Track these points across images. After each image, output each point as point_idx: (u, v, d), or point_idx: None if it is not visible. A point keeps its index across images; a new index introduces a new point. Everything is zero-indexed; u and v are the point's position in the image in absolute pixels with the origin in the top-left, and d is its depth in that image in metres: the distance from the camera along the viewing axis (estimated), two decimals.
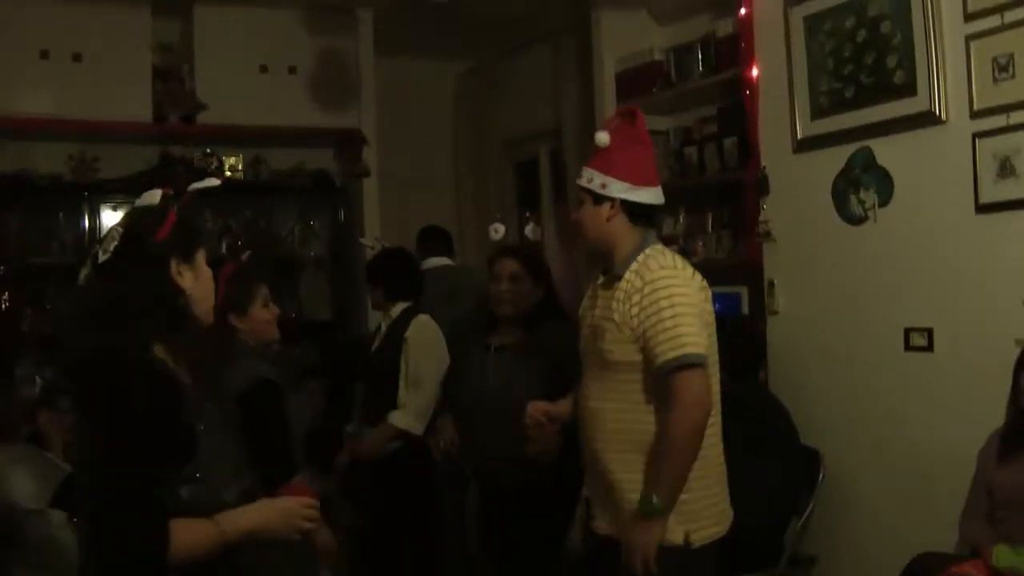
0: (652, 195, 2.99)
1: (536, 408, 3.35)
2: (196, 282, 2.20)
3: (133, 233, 2.13)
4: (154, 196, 2.25)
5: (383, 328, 4.61)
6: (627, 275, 2.91)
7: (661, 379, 2.80)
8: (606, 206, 2.96)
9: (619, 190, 2.93)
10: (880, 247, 3.92)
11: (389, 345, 4.49)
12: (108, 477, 1.96)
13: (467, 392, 4.14)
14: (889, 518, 3.89)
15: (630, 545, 2.79)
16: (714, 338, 2.93)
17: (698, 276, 2.93)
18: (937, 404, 3.72)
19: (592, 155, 3.04)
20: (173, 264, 2.15)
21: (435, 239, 5.88)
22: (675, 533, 2.80)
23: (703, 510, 2.87)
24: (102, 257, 2.09)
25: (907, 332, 3.82)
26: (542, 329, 3.92)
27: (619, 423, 2.91)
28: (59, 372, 2.13)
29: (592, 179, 2.98)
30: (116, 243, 2.10)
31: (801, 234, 4.28)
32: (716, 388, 2.91)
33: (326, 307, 6.75)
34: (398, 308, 4.55)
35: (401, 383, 4.39)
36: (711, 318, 2.93)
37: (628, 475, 2.89)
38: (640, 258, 2.92)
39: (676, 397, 2.76)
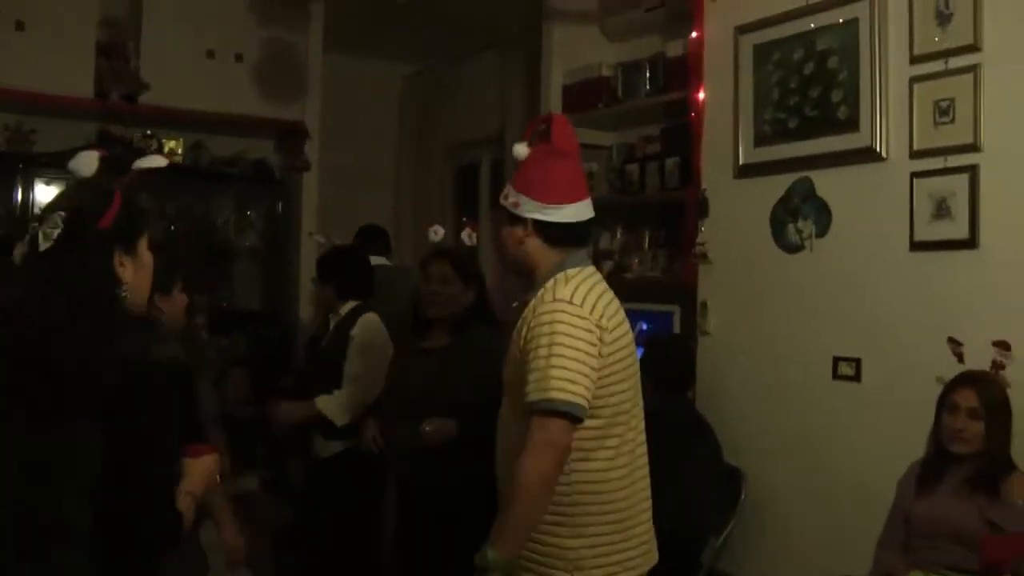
0: (572, 212, 2.73)
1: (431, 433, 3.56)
2: (136, 273, 2.14)
3: (77, 219, 2.04)
4: (91, 159, 2.18)
5: (331, 326, 4.61)
6: (532, 301, 2.72)
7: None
8: (519, 227, 2.74)
9: (530, 210, 2.71)
10: (814, 276, 3.99)
11: (336, 342, 4.49)
12: (148, 467, 2.00)
13: (392, 392, 4.15)
14: (807, 542, 3.95)
15: None
16: (633, 381, 2.73)
17: (603, 315, 2.64)
18: (861, 433, 3.79)
19: (514, 169, 2.86)
20: (116, 255, 2.09)
21: (373, 238, 5.90)
22: None
23: (595, 558, 2.65)
24: (43, 244, 2.02)
25: (836, 361, 3.89)
26: (471, 333, 3.94)
27: (518, 448, 2.66)
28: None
29: (508, 196, 2.77)
30: (59, 230, 2.02)
31: (737, 258, 4.34)
32: (632, 432, 2.72)
33: (257, 298, 6.71)
34: (348, 306, 4.55)
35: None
36: (624, 357, 2.69)
37: None
38: (549, 284, 2.69)
39: (528, 438, 2.54)
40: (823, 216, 3.96)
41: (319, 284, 4.71)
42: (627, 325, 2.76)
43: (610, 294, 2.75)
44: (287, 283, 6.63)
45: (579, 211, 2.75)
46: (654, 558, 2.80)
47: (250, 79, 6.29)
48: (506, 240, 2.79)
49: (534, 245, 2.74)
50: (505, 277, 6.00)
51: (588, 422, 2.59)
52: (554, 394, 2.52)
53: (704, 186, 4.49)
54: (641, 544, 2.73)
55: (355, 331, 4.44)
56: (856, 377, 3.83)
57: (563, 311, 2.59)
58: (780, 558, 4.08)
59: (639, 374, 2.79)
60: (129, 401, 1.97)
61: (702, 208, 4.48)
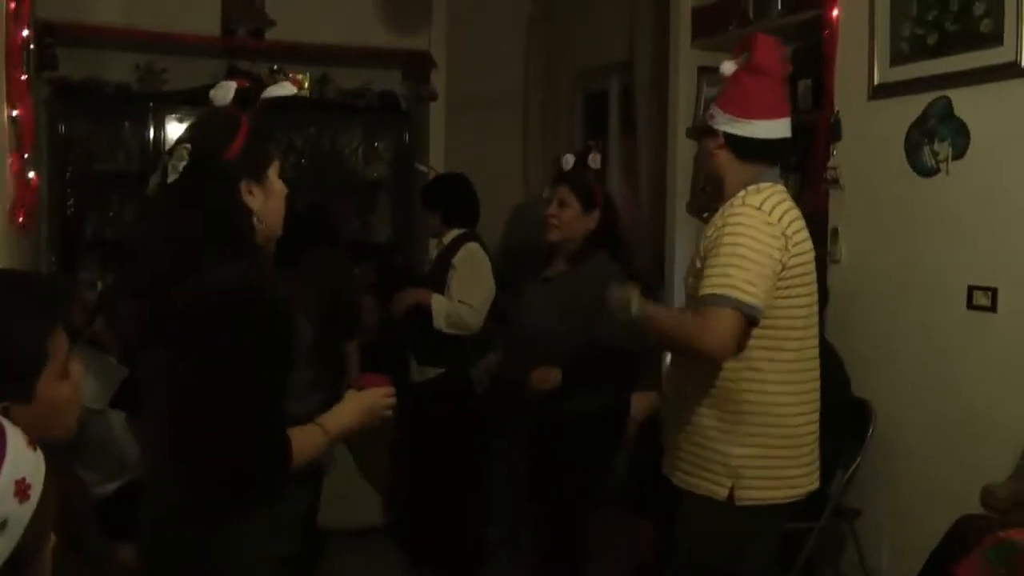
0: (763, 129, 2.78)
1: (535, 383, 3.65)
2: (267, 200, 2.16)
3: (202, 151, 2.08)
4: (228, 89, 2.22)
5: (434, 254, 4.62)
6: (719, 212, 2.80)
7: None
8: (711, 139, 2.85)
9: (722, 123, 2.80)
10: (950, 201, 3.80)
11: (437, 270, 4.49)
12: (238, 396, 1.99)
13: (512, 323, 4.16)
14: (937, 477, 3.83)
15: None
16: (811, 298, 2.79)
17: (790, 225, 2.71)
18: (995, 366, 3.63)
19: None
20: (243, 184, 2.11)
21: None
22: (718, 486, 2.74)
23: (756, 470, 2.74)
24: (171, 176, 2.07)
25: (971, 290, 3.71)
26: (591, 262, 3.87)
27: (697, 364, 2.79)
28: (127, 286, 2.15)
29: (713, 114, 2.87)
30: (185, 162, 2.06)
31: (869, 183, 4.17)
32: (808, 351, 2.79)
33: (386, 228, 6.78)
34: (452, 234, 4.54)
35: None
36: (805, 273, 2.75)
37: (696, 419, 2.81)
38: (740, 194, 2.76)
39: (699, 317, 2.64)
40: (961, 137, 3.75)
41: (425, 213, 4.71)
42: (810, 244, 2.81)
43: (797, 212, 2.79)
44: (415, 213, 6.66)
45: (771, 128, 2.79)
46: (816, 482, 2.87)
47: (375, 10, 6.31)
48: (703, 152, 2.94)
49: (724, 158, 2.81)
50: (638, 206, 5.94)
51: (760, 331, 2.66)
52: (730, 291, 2.58)
53: (836, 108, 4.32)
54: (805, 464, 2.81)
55: (456, 258, 4.43)
56: (992, 307, 3.64)
57: (752, 216, 2.66)
58: (908, 494, 3.97)
59: (816, 295, 2.83)
60: (229, 327, 1.99)
61: (834, 131, 4.31)
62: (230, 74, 6.02)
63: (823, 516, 3.92)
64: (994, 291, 3.64)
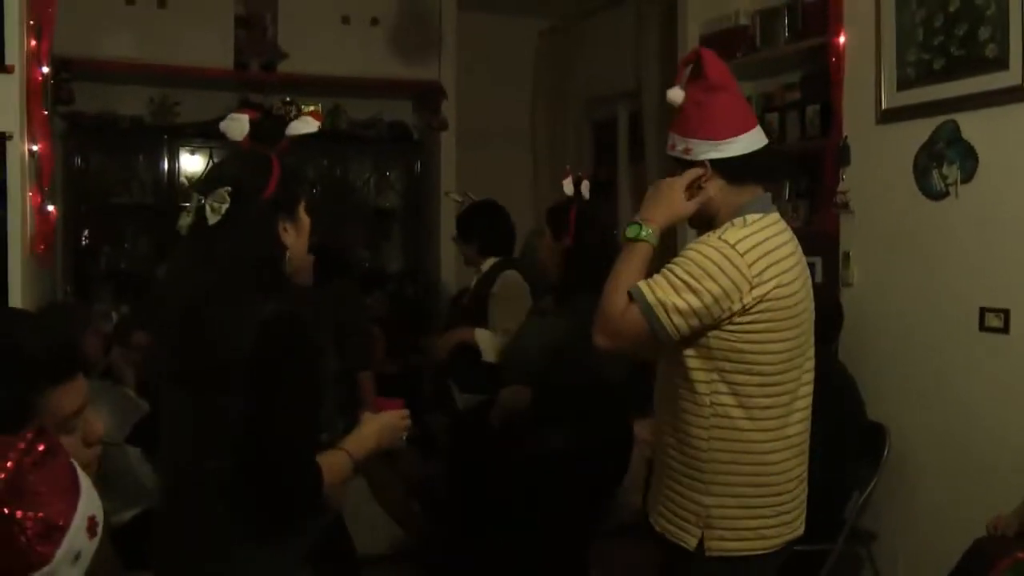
0: (746, 143, 2.55)
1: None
2: (298, 236, 2.22)
3: (242, 192, 2.12)
4: (242, 122, 2.25)
5: (473, 282, 4.62)
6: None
7: None
8: (691, 171, 2.57)
9: (704, 151, 2.54)
10: (960, 224, 3.82)
11: (477, 299, 4.50)
12: (276, 428, 2.05)
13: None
14: (952, 500, 3.83)
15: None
16: (793, 349, 2.52)
17: (764, 271, 2.43)
18: (1009, 388, 3.64)
19: (673, 118, 2.66)
20: (280, 222, 2.17)
21: None
22: (688, 535, 2.59)
23: (727, 520, 2.55)
24: (212, 218, 2.10)
25: (983, 312, 3.73)
26: (570, 303, 3.69)
27: (669, 397, 2.64)
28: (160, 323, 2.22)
29: (675, 145, 2.60)
30: (227, 204, 2.10)
31: (880, 206, 4.20)
32: (786, 397, 2.55)
33: (398, 257, 6.82)
34: (489, 263, 4.54)
35: None
36: (782, 315, 2.47)
37: (671, 464, 2.66)
38: (725, 225, 2.51)
39: (622, 306, 2.49)
40: (969, 161, 3.78)
41: (460, 242, 4.70)
42: (802, 283, 2.55)
43: (790, 247, 2.53)
44: (427, 242, 6.71)
45: (753, 140, 2.57)
46: (799, 530, 2.65)
47: (386, 42, 6.38)
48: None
49: (716, 187, 2.55)
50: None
51: (729, 376, 2.49)
52: (655, 304, 2.42)
53: (845, 133, 4.35)
54: (783, 513, 2.60)
55: (496, 288, 4.43)
56: (1005, 329, 3.66)
57: (718, 248, 2.43)
58: (924, 516, 3.97)
59: (808, 338, 2.61)
60: (273, 359, 2.05)
61: (843, 156, 4.34)
62: (242, 107, 6.09)
63: (839, 539, 3.92)
64: (1007, 312, 3.65)
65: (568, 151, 7.42)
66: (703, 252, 2.44)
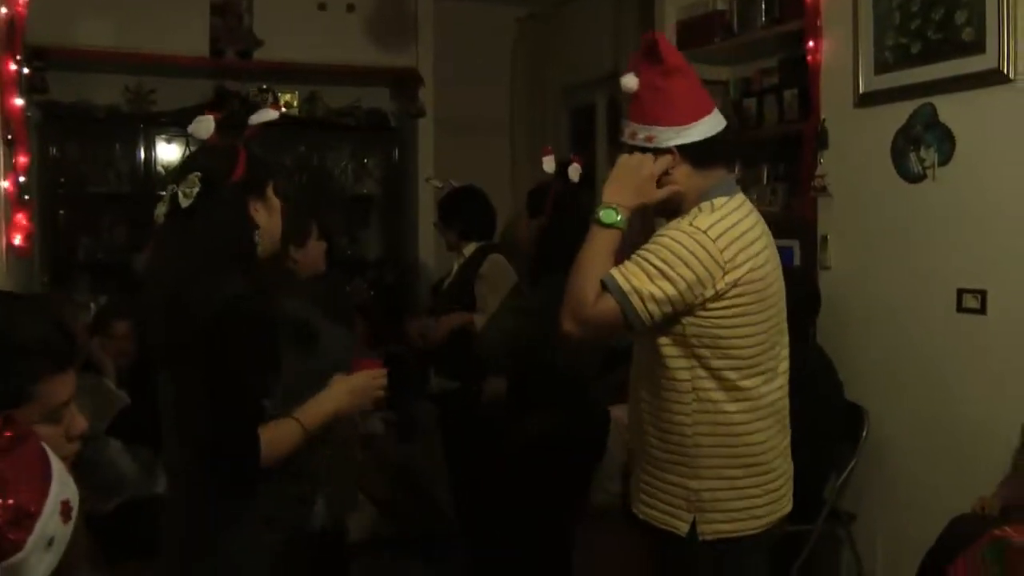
0: (707, 126, 2.53)
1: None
2: (269, 216, 2.36)
3: (210, 177, 2.25)
4: (207, 123, 2.35)
5: (455, 268, 4.61)
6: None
7: None
8: (663, 160, 2.53)
9: (668, 137, 2.51)
10: (937, 206, 3.85)
11: (462, 282, 4.49)
12: (226, 401, 2.15)
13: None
14: (930, 479, 3.86)
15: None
16: (770, 330, 2.53)
17: (736, 256, 2.44)
18: (985, 368, 3.67)
19: (628, 104, 2.64)
20: (250, 203, 2.30)
21: None
22: (679, 520, 2.59)
23: (718, 502, 2.55)
24: (184, 203, 2.22)
25: (960, 293, 3.76)
26: (542, 284, 3.72)
27: (647, 386, 2.64)
28: (130, 304, 2.31)
29: (636, 133, 2.57)
30: (197, 188, 2.22)
31: (857, 190, 4.22)
32: (766, 387, 2.56)
33: (376, 245, 6.81)
34: (471, 247, 4.54)
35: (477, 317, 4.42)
36: (755, 302, 2.47)
37: (653, 451, 2.65)
38: (694, 211, 2.52)
39: (591, 295, 2.46)
40: (946, 144, 3.80)
41: (442, 227, 4.70)
42: (773, 265, 2.56)
43: (759, 228, 2.54)
44: (406, 229, 6.70)
45: (713, 124, 2.56)
46: (787, 506, 2.67)
47: (362, 29, 6.36)
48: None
49: (682, 173, 2.54)
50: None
51: (707, 361, 2.50)
52: (628, 290, 2.41)
53: (823, 117, 4.37)
54: (771, 492, 2.61)
55: (483, 270, 4.43)
56: (982, 310, 3.68)
57: (691, 234, 2.43)
58: (902, 496, 4.00)
59: (782, 317, 2.62)
60: (223, 337, 2.14)
61: (821, 140, 4.36)
62: (218, 95, 6.08)
63: (819, 520, 3.95)
64: (983, 294, 3.68)
65: (547, 138, 7.40)
66: (676, 239, 2.44)
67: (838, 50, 4.27)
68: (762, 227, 2.57)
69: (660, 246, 2.45)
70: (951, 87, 3.78)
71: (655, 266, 2.42)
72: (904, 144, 3.97)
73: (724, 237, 2.45)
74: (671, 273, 2.41)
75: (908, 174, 3.96)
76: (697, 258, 2.41)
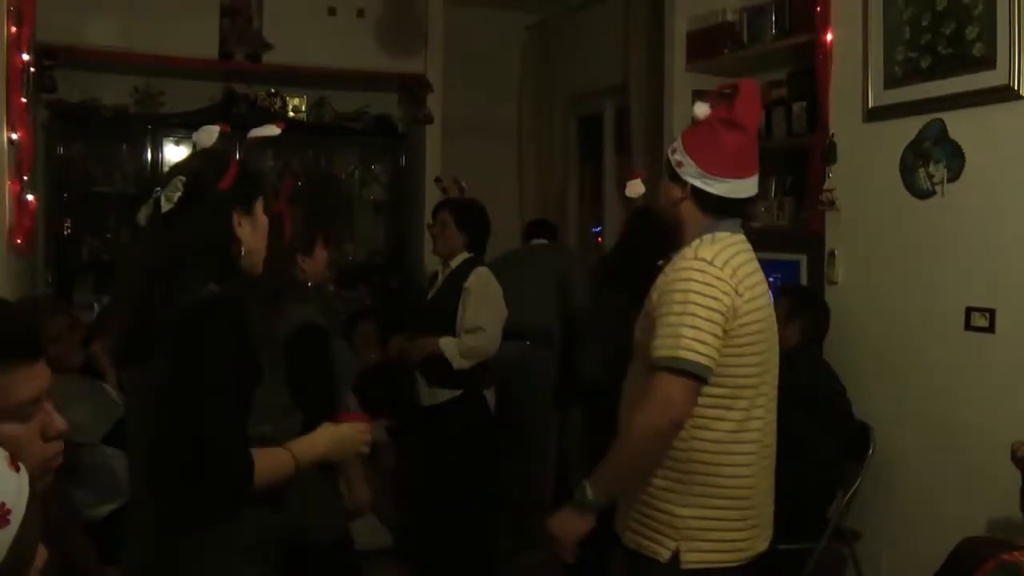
0: (731, 188, 2.62)
1: None
2: (253, 232, 2.27)
3: (196, 182, 2.18)
4: (212, 132, 2.33)
5: (440, 277, 4.62)
6: (671, 263, 2.67)
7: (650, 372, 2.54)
8: (677, 187, 2.67)
9: (691, 175, 2.62)
10: (946, 223, 3.81)
11: (447, 292, 4.50)
12: (202, 410, 2.05)
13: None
14: (938, 499, 3.82)
15: (551, 530, 2.62)
16: (765, 354, 2.63)
17: (743, 280, 2.57)
18: (994, 387, 3.63)
19: (689, 126, 2.77)
20: (235, 216, 2.22)
21: (542, 228, 6.23)
22: (662, 547, 2.60)
23: (704, 531, 2.58)
24: (165, 206, 2.16)
25: (969, 311, 3.72)
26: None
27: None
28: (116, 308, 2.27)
29: (675, 150, 2.68)
30: (180, 193, 2.16)
31: (866, 205, 4.19)
32: (761, 411, 2.63)
33: (383, 250, 6.80)
34: (460, 258, 4.55)
35: (458, 329, 4.42)
36: (757, 331, 2.59)
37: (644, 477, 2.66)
38: (694, 243, 2.62)
39: (649, 394, 2.50)
40: (956, 160, 3.77)
41: (454, 228, 4.64)
42: (767, 297, 2.68)
43: (754, 264, 2.67)
44: (412, 235, 6.68)
45: (739, 187, 2.64)
46: (764, 543, 2.71)
47: (371, 34, 6.35)
48: (664, 193, 2.74)
49: (688, 208, 2.66)
50: None
51: (711, 389, 2.54)
52: (683, 353, 2.46)
53: (832, 131, 4.34)
54: (752, 527, 2.65)
55: (470, 282, 4.45)
56: (990, 328, 3.65)
57: (701, 270, 2.53)
58: (909, 516, 3.96)
59: (775, 348, 2.70)
60: (196, 343, 2.07)
61: (829, 154, 4.33)
62: (227, 97, 6.07)
63: (823, 538, 3.92)
64: (992, 312, 3.64)
65: (554, 146, 7.41)
66: (690, 277, 2.53)
67: (847, 64, 4.24)
68: (756, 264, 2.68)
69: (678, 291, 2.53)
70: (961, 103, 3.75)
71: (686, 316, 2.49)
72: (913, 160, 3.95)
73: (727, 267, 2.56)
74: (702, 312, 2.49)
75: (917, 190, 3.93)
76: (716, 288, 2.52)
